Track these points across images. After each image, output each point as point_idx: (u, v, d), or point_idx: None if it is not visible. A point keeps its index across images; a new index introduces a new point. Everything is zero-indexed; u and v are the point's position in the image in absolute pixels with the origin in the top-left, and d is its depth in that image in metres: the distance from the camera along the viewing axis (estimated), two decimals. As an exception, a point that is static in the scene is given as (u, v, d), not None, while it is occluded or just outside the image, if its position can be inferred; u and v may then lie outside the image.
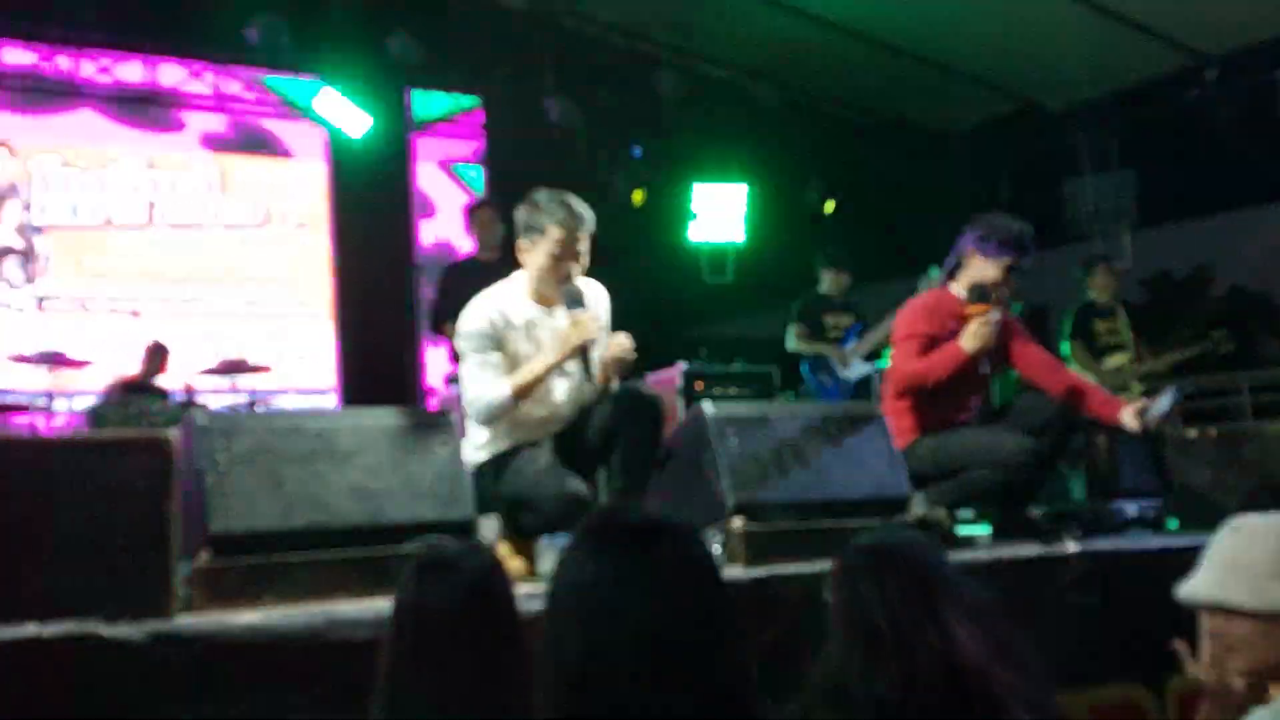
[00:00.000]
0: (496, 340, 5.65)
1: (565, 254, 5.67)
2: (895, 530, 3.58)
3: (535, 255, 5.72)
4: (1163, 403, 6.43)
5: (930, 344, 6.49)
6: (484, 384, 5.57)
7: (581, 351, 5.54)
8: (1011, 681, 3.02)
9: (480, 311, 5.72)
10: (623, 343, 5.68)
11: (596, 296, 5.89)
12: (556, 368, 5.61)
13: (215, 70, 13.90)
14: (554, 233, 5.66)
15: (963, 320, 6.48)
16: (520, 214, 5.82)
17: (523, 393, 5.57)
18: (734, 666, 2.21)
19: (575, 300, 5.63)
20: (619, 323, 5.91)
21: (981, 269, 6.55)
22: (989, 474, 6.24)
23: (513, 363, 5.68)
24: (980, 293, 6.40)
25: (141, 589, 3.88)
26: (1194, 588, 3.43)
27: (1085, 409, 6.56)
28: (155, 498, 3.96)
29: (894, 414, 6.63)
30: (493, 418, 5.60)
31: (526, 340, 5.73)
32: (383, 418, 5.08)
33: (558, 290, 5.71)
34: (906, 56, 14.30)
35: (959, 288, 6.65)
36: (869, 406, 6.43)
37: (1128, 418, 6.35)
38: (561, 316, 5.75)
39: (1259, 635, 3.28)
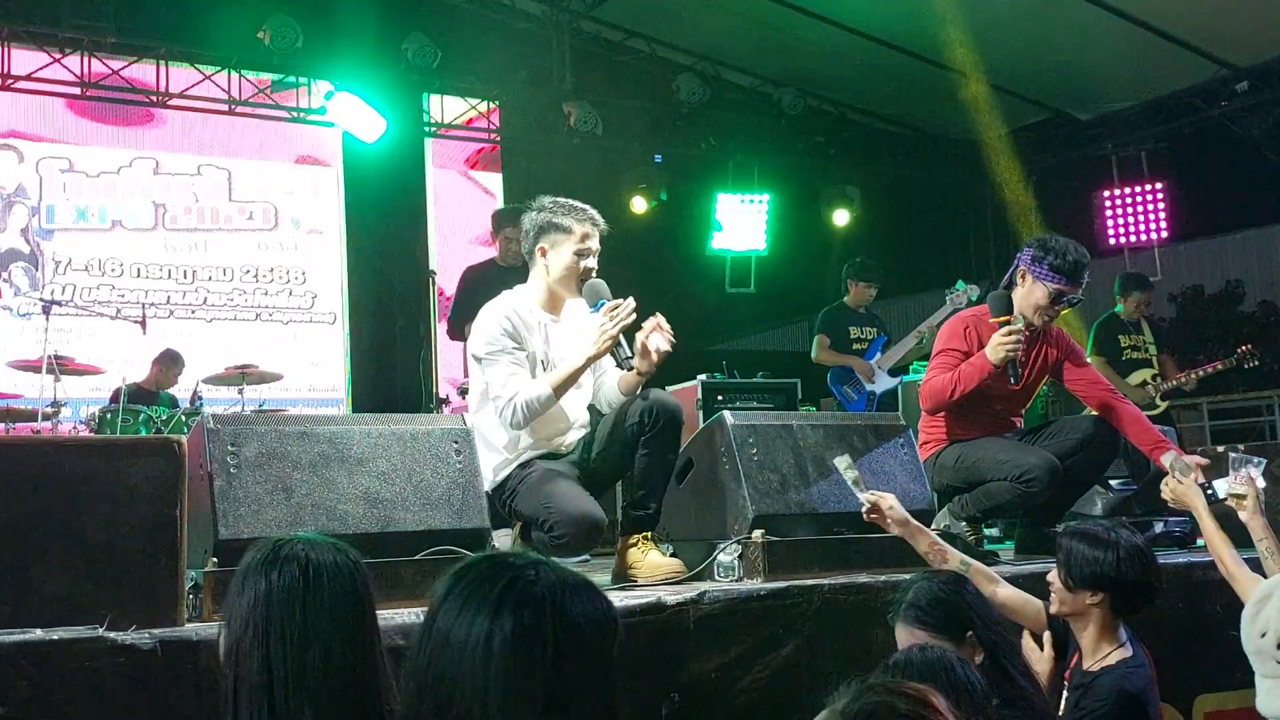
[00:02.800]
0: (517, 338, 5.69)
1: (589, 250, 5.79)
2: (921, 653, 3.56)
3: (559, 254, 5.79)
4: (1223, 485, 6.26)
5: (963, 360, 6.43)
6: (519, 384, 5.59)
7: (615, 345, 5.54)
8: None
9: (495, 313, 5.76)
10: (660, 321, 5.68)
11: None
12: (591, 363, 5.66)
13: (228, 73, 13.90)
14: (579, 229, 5.78)
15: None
16: (536, 217, 5.88)
17: (561, 389, 5.60)
18: None
19: (602, 295, 5.66)
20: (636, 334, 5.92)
21: (1030, 290, 6.47)
22: (1008, 486, 6.20)
23: (530, 364, 5.71)
24: (1003, 304, 6.35)
25: (150, 594, 3.89)
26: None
27: (1128, 435, 6.48)
28: (165, 502, 3.96)
29: (925, 424, 6.63)
30: (531, 418, 5.59)
31: (543, 343, 5.77)
32: (396, 424, 5.07)
33: (578, 289, 5.77)
34: (934, 65, 14.30)
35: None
36: (892, 418, 6.37)
37: (1167, 463, 6.15)
38: (568, 322, 5.84)
39: None
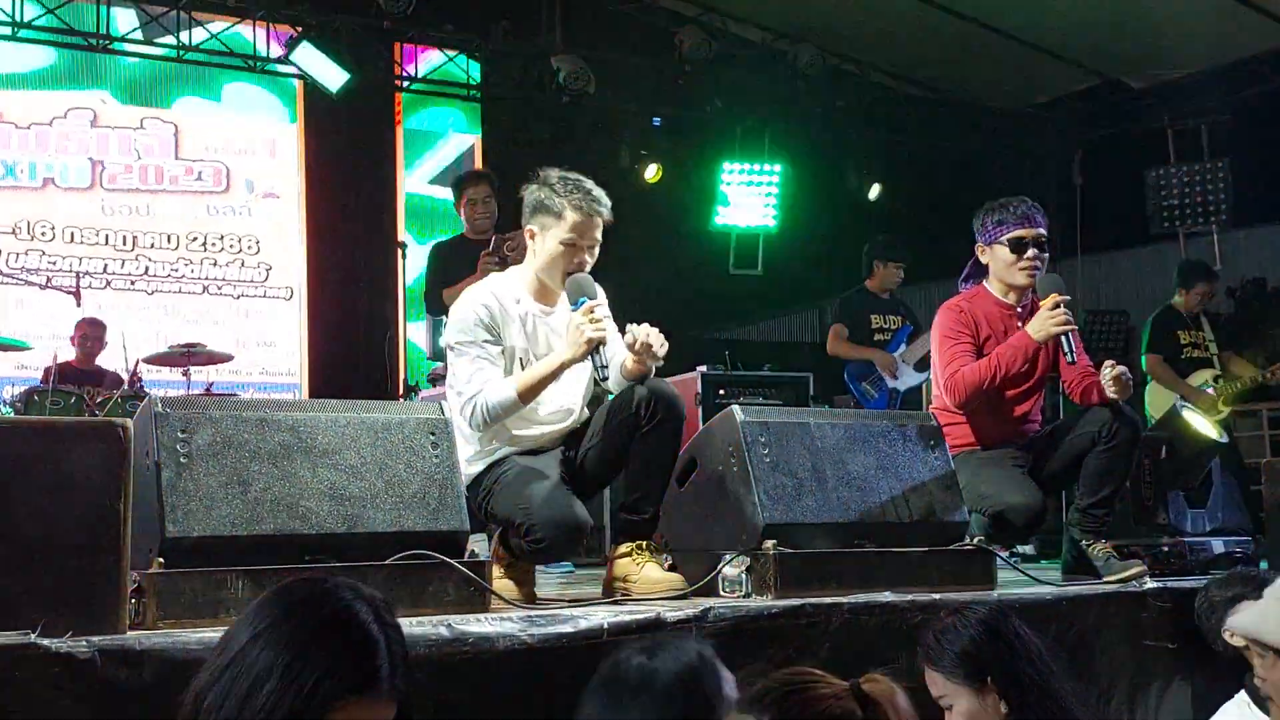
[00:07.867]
0: (494, 331, 5.65)
1: (579, 242, 5.67)
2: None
3: (546, 240, 5.71)
4: None
5: (974, 346, 6.68)
6: (482, 383, 5.56)
7: (593, 350, 5.48)
8: None
9: (475, 299, 5.72)
10: (653, 330, 5.59)
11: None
12: (565, 369, 5.56)
13: (178, 16, 13.83)
14: (570, 217, 5.65)
15: (1006, 320, 6.77)
16: (531, 193, 5.80)
17: (528, 395, 5.54)
18: None
19: (585, 292, 5.58)
20: (630, 320, 5.87)
21: (994, 258, 6.85)
22: (983, 523, 6.31)
23: (508, 360, 5.68)
24: (1052, 284, 6.50)
25: (88, 598, 3.85)
26: (1237, 620, 3.37)
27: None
28: (107, 493, 3.93)
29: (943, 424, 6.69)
30: (491, 422, 5.57)
31: (524, 337, 5.73)
32: (366, 412, 5.04)
33: (564, 281, 5.69)
34: (969, 21, 14.24)
35: (994, 286, 6.91)
36: (923, 417, 6.35)
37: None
38: (563, 315, 5.76)
39: None
